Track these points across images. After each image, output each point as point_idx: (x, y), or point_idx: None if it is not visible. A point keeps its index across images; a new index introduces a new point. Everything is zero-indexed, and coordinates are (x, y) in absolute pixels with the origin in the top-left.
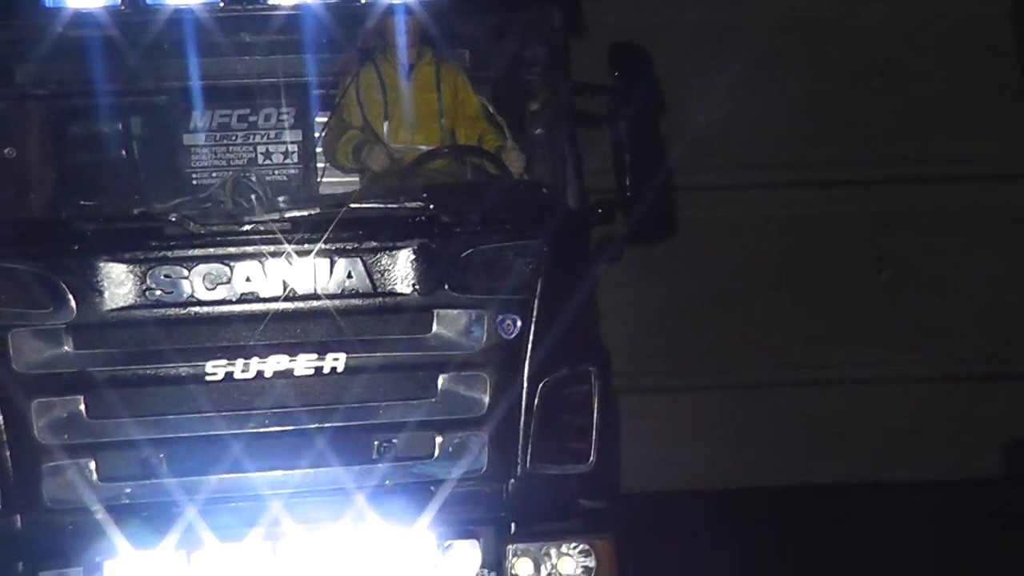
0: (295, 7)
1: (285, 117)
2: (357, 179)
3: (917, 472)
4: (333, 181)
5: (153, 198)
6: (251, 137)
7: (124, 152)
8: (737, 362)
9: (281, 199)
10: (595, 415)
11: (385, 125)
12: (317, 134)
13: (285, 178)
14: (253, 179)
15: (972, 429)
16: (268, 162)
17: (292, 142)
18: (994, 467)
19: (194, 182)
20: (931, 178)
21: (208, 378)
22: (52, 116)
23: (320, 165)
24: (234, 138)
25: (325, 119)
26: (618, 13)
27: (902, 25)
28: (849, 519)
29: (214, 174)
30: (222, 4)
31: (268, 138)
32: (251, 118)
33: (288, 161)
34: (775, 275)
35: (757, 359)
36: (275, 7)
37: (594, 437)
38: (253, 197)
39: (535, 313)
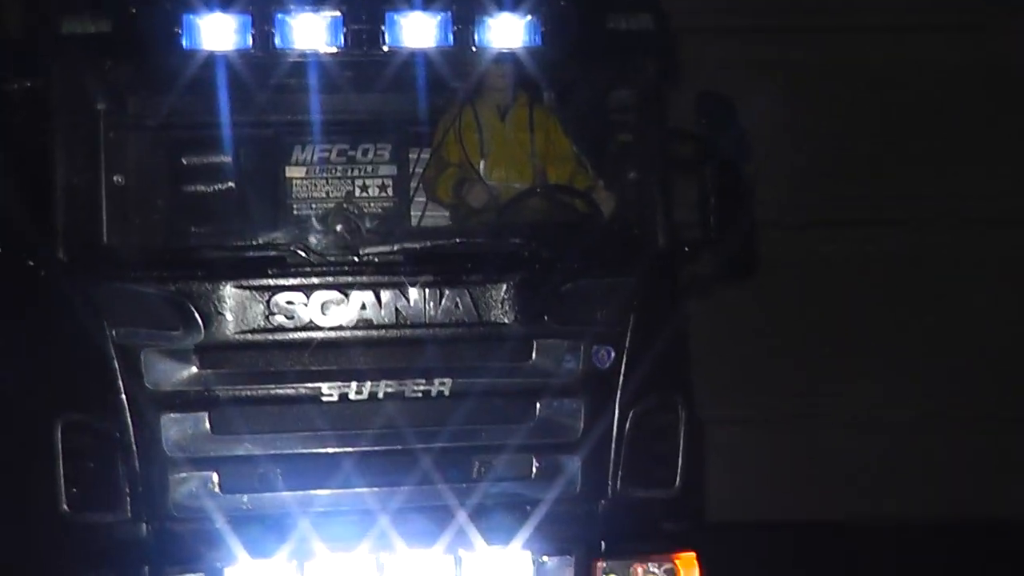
0: (411, 54)
1: (382, 152)
2: (448, 214)
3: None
4: (429, 215)
5: (258, 227)
6: (349, 171)
7: (232, 183)
8: (805, 395)
9: (388, 231)
10: (681, 442)
11: (482, 163)
12: (412, 169)
13: (381, 211)
14: (354, 211)
15: None
16: (365, 195)
17: (388, 176)
18: None
19: (295, 212)
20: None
21: (324, 399)
22: (163, 146)
23: (419, 199)
24: (333, 171)
25: (417, 155)
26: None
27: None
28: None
29: (313, 205)
30: (343, 50)
31: (365, 172)
32: (350, 152)
33: (384, 194)
34: (842, 313)
35: (829, 395)
36: (392, 53)
37: (680, 463)
38: (354, 227)
39: (627, 345)
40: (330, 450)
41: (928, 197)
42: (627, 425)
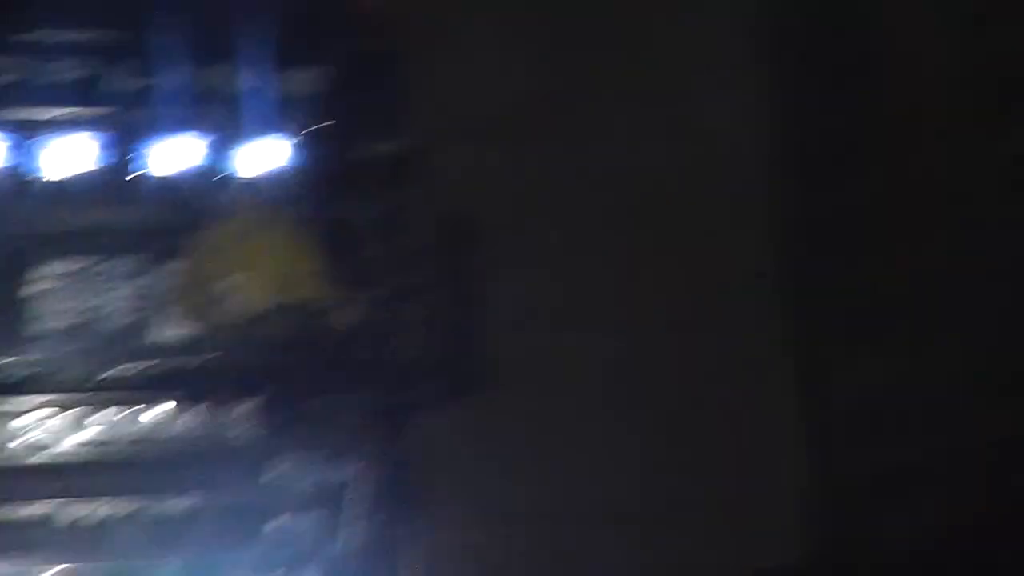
0: (168, 176)
1: (126, 267)
2: (192, 330)
3: None
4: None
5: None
6: (94, 286)
7: None
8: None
9: (130, 348)
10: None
11: (227, 279)
12: (159, 285)
13: (123, 326)
14: (93, 329)
15: None
16: (109, 311)
17: (135, 293)
18: None
19: (36, 328)
20: None
21: (55, 525)
22: None
23: (165, 313)
24: (75, 285)
25: (166, 270)
26: None
27: None
28: None
29: (57, 321)
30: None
31: (109, 287)
32: (95, 268)
33: (128, 311)
34: None
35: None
36: (148, 176)
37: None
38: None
39: (363, 461)
40: None
41: None
42: (358, 539)
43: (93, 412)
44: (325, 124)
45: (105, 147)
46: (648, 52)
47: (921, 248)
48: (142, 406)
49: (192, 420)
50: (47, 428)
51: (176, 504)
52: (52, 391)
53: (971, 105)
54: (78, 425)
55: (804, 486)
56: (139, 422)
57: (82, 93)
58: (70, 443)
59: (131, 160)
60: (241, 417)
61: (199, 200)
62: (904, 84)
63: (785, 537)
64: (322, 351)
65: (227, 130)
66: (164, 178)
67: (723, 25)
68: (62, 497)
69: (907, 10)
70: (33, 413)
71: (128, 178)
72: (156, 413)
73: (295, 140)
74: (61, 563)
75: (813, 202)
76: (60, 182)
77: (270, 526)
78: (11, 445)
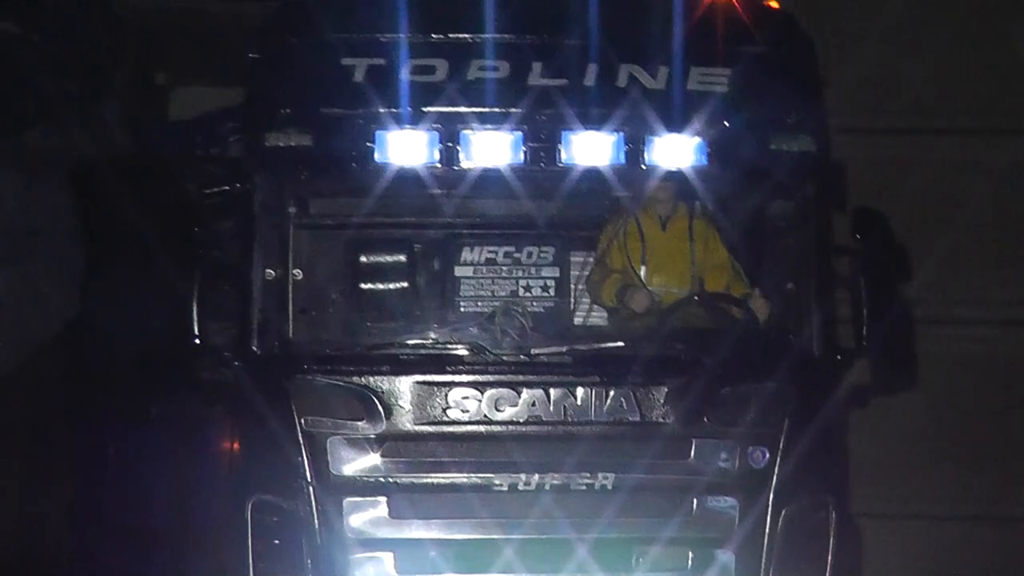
0: (585, 169)
1: (545, 255)
2: (608, 317)
3: None
4: (591, 317)
5: (430, 324)
6: (514, 272)
7: (405, 282)
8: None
9: (554, 331)
10: (831, 541)
11: (643, 270)
12: (573, 272)
13: (543, 311)
14: (518, 311)
15: None
16: (528, 295)
17: (550, 278)
18: None
19: (462, 310)
20: None
21: (495, 489)
22: (342, 246)
23: (582, 301)
24: (499, 272)
25: (579, 259)
26: None
27: None
28: None
29: (479, 303)
30: (521, 166)
31: (529, 273)
32: (515, 255)
33: (546, 295)
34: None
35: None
36: (567, 168)
37: (829, 562)
38: (518, 326)
39: (781, 447)
40: (498, 537)
41: None
42: (779, 523)
43: (523, 387)
44: (734, 123)
45: (524, 142)
46: None
47: None
48: (571, 385)
49: (616, 400)
50: (479, 398)
51: (597, 480)
52: (486, 368)
53: None
54: (508, 399)
55: None
56: (566, 399)
57: (503, 91)
58: (501, 414)
59: (549, 154)
60: (660, 399)
61: (615, 193)
62: None
63: None
64: (738, 340)
65: (641, 126)
66: (583, 170)
67: None
68: (493, 466)
69: None
70: (464, 386)
71: (546, 171)
72: (581, 392)
73: (706, 135)
74: (493, 532)
75: None
76: (481, 173)
77: (687, 505)
78: (445, 413)
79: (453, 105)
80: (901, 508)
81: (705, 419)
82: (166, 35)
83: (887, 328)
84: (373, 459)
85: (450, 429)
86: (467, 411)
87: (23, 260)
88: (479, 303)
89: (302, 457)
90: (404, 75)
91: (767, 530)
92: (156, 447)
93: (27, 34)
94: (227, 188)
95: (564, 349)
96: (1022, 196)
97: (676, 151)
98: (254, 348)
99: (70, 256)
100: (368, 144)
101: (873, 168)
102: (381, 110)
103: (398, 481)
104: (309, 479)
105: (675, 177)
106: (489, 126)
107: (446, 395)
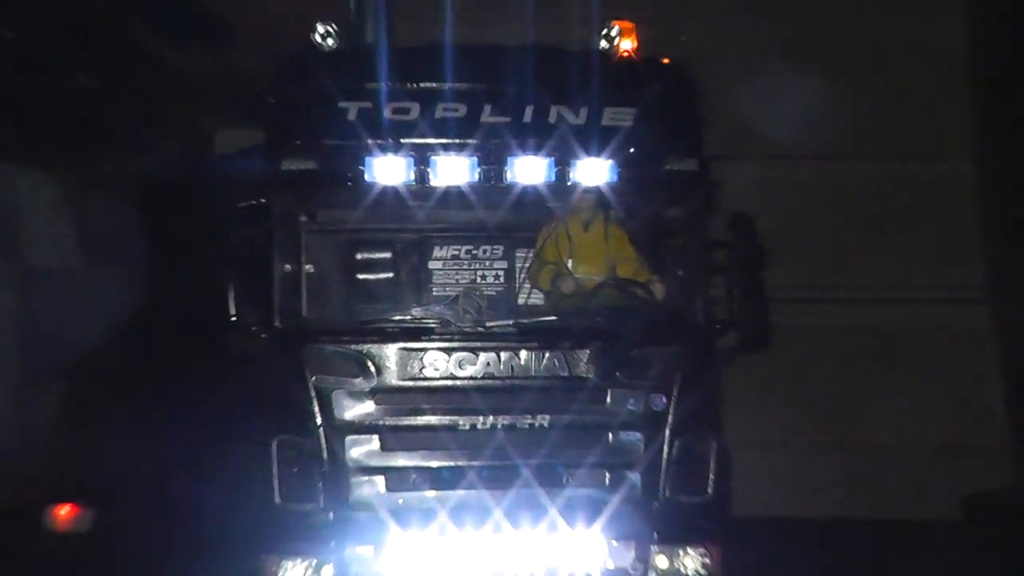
0: (526, 186)
1: (497, 252)
2: (544, 298)
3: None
4: (531, 299)
5: (410, 305)
6: (473, 265)
7: (390, 273)
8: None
9: (504, 309)
10: (712, 463)
11: (570, 262)
12: (518, 264)
13: (495, 294)
14: (476, 294)
15: None
16: (484, 282)
17: (500, 269)
18: None
19: (434, 293)
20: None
21: (459, 428)
22: (342, 246)
23: (524, 287)
24: (462, 264)
25: (522, 254)
26: None
27: None
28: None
29: (448, 289)
30: (475, 184)
31: (484, 266)
32: (474, 252)
33: (497, 282)
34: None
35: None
36: (510, 186)
37: (711, 478)
38: (477, 306)
39: (675, 395)
40: (463, 464)
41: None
42: (674, 450)
43: (480, 351)
44: (638, 149)
45: (478, 165)
46: None
47: None
48: (516, 349)
49: (551, 361)
50: (447, 360)
51: (537, 420)
52: (453, 337)
53: None
54: (469, 360)
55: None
56: (513, 360)
57: (462, 126)
58: (464, 372)
59: (497, 174)
60: (584, 359)
61: (548, 204)
62: None
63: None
64: (641, 314)
65: (567, 152)
66: (523, 187)
67: None
68: (458, 411)
69: None
70: (436, 351)
71: (495, 187)
72: (524, 354)
73: (617, 159)
74: (459, 460)
75: None
76: (446, 190)
77: (605, 438)
78: (422, 371)
79: (424, 137)
80: (764, 437)
81: (618, 374)
82: (211, 90)
83: (753, 305)
84: (368, 407)
85: (426, 383)
86: (438, 369)
87: (106, 263)
88: (447, 288)
89: (314, 406)
90: (386, 114)
91: (665, 456)
92: (205, 405)
93: (106, 92)
94: (254, 203)
95: (511, 322)
96: (854, 206)
97: (594, 171)
98: (276, 324)
99: (138, 257)
100: (360, 167)
101: (744, 185)
102: (369, 141)
103: (387, 423)
104: (319, 423)
105: (593, 191)
106: (451, 153)
107: (422, 358)
